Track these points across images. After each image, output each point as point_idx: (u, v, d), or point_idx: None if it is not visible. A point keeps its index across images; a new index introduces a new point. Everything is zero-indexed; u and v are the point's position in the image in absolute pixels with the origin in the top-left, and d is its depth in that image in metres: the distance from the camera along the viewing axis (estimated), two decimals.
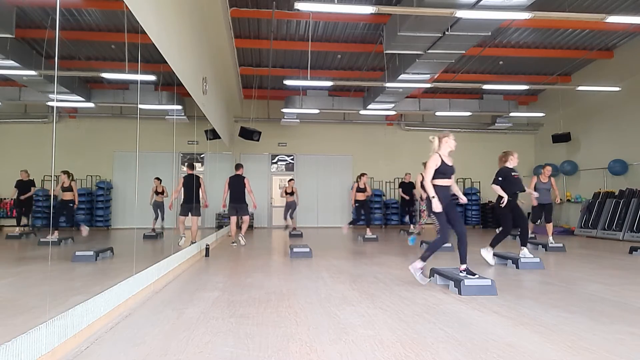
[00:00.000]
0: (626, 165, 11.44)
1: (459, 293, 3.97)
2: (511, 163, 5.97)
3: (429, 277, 4.70)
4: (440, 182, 4.41)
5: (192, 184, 7.88)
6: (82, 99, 11.08)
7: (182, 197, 8.02)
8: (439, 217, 4.39)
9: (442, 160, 4.42)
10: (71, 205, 8.09)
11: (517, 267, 5.61)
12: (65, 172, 8.17)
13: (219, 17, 7.46)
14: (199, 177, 8.05)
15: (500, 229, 6.04)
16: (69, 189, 8.01)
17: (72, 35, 9.15)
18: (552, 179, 8.03)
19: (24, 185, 8.38)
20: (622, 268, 5.80)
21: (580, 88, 11.08)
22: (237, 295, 3.96)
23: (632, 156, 11.36)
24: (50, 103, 9.83)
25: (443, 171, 4.40)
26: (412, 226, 10.99)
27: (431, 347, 2.55)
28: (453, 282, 4.14)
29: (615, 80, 11.21)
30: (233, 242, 8.68)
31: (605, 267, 5.88)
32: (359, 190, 9.64)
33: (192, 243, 7.04)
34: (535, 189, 7.77)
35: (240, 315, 3.27)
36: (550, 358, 2.39)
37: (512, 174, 5.95)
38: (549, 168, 8.01)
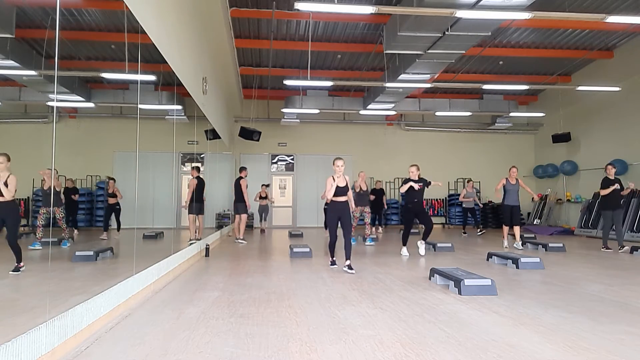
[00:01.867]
0: (626, 165, 11.43)
1: (459, 293, 3.97)
2: (411, 175, 7.15)
3: (429, 277, 4.72)
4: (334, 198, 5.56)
5: (201, 186, 8.60)
6: (82, 99, 11.05)
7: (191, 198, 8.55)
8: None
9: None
10: (118, 207, 9.25)
11: (517, 267, 5.61)
12: (112, 179, 9.28)
13: (219, 17, 7.46)
14: (203, 179, 8.63)
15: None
16: (114, 195, 9.16)
17: (72, 35, 9.14)
18: (520, 180, 8.32)
19: (68, 192, 8.77)
20: (622, 268, 5.80)
21: (580, 88, 11.08)
22: (237, 295, 3.96)
23: (632, 156, 11.35)
24: (50, 103, 9.81)
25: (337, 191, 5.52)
26: (374, 229, 11.37)
27: (431, 347, 2.55)
28: (453, 282, 4.14)
29: (615, 80, 11.21)
30: (236, 239, 9.25)
31: (605, 267, 5.88)
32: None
33: (196, 240, 7.42)
34: (505, 191, 8.27)
35: (240, 315, 3.27)
36: (550, 358, 2.39)
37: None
38: (514, 170, 8.25)
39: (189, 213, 8.37)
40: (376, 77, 12.32)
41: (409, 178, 7.08)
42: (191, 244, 6.97)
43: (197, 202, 8.45)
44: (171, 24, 5.14)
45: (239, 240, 9.17)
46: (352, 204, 5.87)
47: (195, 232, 8.32)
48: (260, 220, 12.76)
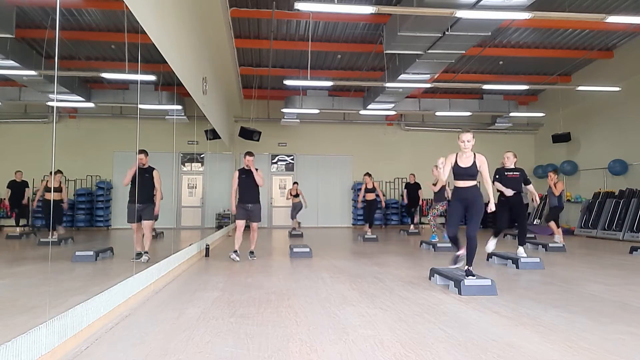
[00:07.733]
0: (626, 165, 11.43)
1: (459, 293, 3.97)
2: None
3: (429, 277, 4.72)
4: (456, 183, 4.42)
5: (146, 180, 5.91)
6: (82, 99, 11.07)
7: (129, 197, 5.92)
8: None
9: (455, 161, 4.37)
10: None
11: (517, 267, 5.62)
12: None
13: (219, 17, 7.46)
14: (154, 169, 6.01)
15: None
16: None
17: (72, 35, 9.14)
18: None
19: (18, 186, 8.37)
20: (622, 268, 5.80)
21: (580, 88, 11.07)
22: (237, 295, 3.96)
23: (632, 156, 11.35)
24: (50, 103, 9.81)
25: (455, 172, 4.38)
26: (412, 226, 11.49)
27: (431, 347, 2.55)
28: (453, 282, 4.14)
29: (615, 80, 11.20)
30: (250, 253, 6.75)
31: (605, 267, 5.88)
32: (367, 190, 9.97)
33: (144, 253, 5.62)
34: None
35: (240, 315, 3.27)
36: (550, 358, 2.39)
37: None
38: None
39: (128, 220, 5.82)
40: (376, 77, 12.31)
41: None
42: (137, 259, 5.42)
43: (141, 203, 5.74)
44: (171, 24, 5.14)
45: (254, 256, 6.66)
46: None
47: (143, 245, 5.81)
48: (292, 218, 12.30)
